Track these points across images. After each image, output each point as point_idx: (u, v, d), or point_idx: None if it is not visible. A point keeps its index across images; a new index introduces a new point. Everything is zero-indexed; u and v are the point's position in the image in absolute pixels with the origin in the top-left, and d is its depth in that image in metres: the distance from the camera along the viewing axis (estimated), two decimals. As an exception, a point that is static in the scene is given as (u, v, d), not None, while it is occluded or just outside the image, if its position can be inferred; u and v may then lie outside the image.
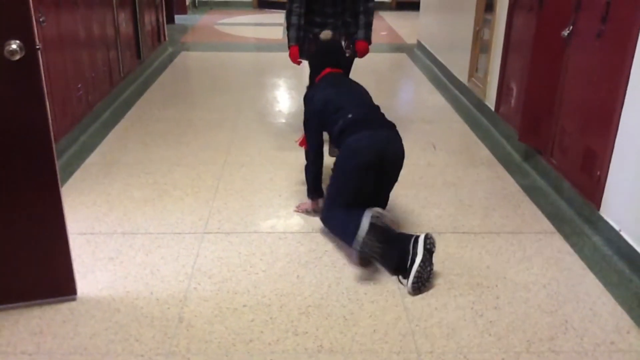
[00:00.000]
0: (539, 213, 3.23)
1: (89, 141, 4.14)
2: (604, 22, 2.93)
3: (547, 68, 3.53)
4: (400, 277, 2.54)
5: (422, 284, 2.47)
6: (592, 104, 3.08)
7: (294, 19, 3.73)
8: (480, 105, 4.86)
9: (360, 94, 2.99)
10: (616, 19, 2.84)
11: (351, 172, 2.67)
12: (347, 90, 2.98)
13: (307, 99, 3.02)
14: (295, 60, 3.78)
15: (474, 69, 5.16)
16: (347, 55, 3.70)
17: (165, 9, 7.28)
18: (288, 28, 3.79)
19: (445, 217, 3.16)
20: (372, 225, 2.46)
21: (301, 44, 3.78)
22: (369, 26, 3.76)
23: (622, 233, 2.75)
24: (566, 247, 2.88)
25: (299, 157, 3.66)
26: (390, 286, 2.51)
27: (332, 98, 2.87)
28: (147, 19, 6.19)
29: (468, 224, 3.10)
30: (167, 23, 7.47)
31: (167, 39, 7.20)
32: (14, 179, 2.10)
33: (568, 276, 2.63)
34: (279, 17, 9.75)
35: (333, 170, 2.78)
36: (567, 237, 2.97)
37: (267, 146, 4.12)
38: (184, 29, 8.63)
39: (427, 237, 2.52)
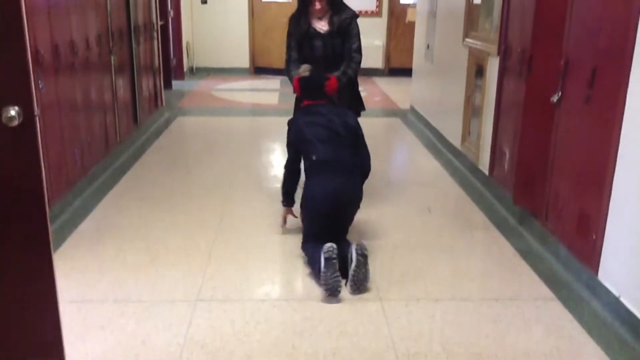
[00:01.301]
0: (536, 278, 3.20)
1: (83, 206, 4.12)
2: (591, 88, 3.00)
3: (538, 132, 3.58)
4: (345, 281, 2.96)
5: (358, 284, 2.93)
6: (584, 167, 3.11)
7: (294, 73, 3.81)
8: (474, 169, 4.90)
9: (331, 129, 3.31)
10: (603, 85, 2.91)
11: (310, 215, 3.26)
12: (320, 124, 3.34)
13: (289, 125, 3.50)
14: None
15: (466, 133, 5.23)
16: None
17: (163, 75, 7.42)
18: (289, 73, 3.89)
19: (442, 282, 3.12)
20: (327, 260, 2.88)
21: None
22: (344, 73, 3.82)
23: (621, 299, 2.71)
24: (566, 314, 2.83)
25: (294, 222, 3.65)
26: (387, 356, 2.45)
27: (304, 131, 3.34)
28: (144, 84, 6.30)
29: (466, 290, 3.06)
30: (165, 88, 7.60)
31: (164, 104, 7.31)
32: (6, 243, 2.07)
33: (569, 344, 2.57)
34: (275, 82, 9.95)
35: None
36: (566, 302, 2.93)
37: (262, 211, 4.10)
38: (181, 94, 8.77)
39: (358, 245, 2.99)
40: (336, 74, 3.79)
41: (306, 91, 3.61)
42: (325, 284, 2.88)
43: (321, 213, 3.21)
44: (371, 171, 3.51)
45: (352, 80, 3.96)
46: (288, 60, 3.95)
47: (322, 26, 3.83)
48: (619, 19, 2.77)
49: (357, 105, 4.06)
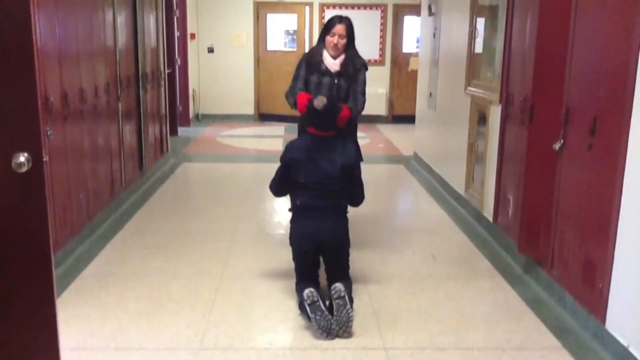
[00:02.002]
0: (543, 327, 3.15)
1: (87, 252, 4.11)
2: (592, 135, 3.02)
3: (542, 180, 3.59)
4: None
5: (344, 327, 2.97)
6: (588, 215, 3.10)
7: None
8: (479, 216, 4.89)
9: (327, 172, 3.31)
10: (604, 132, 2.94)
11: (295, 255, 3.38)
12: (317, 158, 3.34)
13: (287, 147, 3.55)
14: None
15: (470, 180, 5.25)
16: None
17: (169, 121, 7.52)
18: (292, 97, 3.88)
19: (447, 332, 3.08)
20: (310, 306, 2.99)
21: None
22: (355, 105, 3.84)
23: (630, 349, 2.66)
24: (574, 364, 2.78)
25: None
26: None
27: (299, 162, 3.36)
28: (151, 130, 6.38)
29: (471, 339, 3.02)
30: (171, 135, 7.69)
31: (169, 150, 7.38)
32: (10, 289, 2.06)
33: (578, 396, 2.51)
34: (279, 129, 10.06)
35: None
36: (574, 353, 2.88)
37: (266, 258, 4.09)
38: (187, 141, 8.86)
39: (332, 289, 3.08)
40: (348, 104, 3.81)
41: (319, 123, 3.46)
42: (318, 327, 2.96)
43: (304, 254, 3.32)
44: (375, 218, 3.51)
45: (354, 125, 4.00)
46: (292, 89, 3.93)
47: (334, 65, 3.88)
48: (617, 69, 2.82)
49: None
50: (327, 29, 3.89)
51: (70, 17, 4.04)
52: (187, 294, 3.46)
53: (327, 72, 3.89)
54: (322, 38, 3.94)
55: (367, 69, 3.96)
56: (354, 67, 3.89)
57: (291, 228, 3.41)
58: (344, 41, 3.84)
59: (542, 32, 3.56)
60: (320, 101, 3.42)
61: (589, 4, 3.15)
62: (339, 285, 3.10)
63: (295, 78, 3.97)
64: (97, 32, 4.62)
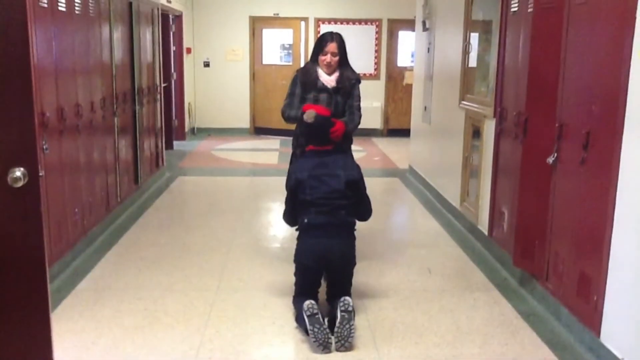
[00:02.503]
0: (538, 340, 3.16)
1: (82, 266, 4.10)
2: (585, 150, 3.05)
3: (536, 194, 3.62)
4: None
5: (343, 341, 2.95)
6: (582, 228, 3.12)
7: (292, 112, 3.91)
8: (474, 230, 4.91)
9: (332, 187, 3.32)
10: (597, 147, 2.96)
11: (300, 270, 3.33)
12: (322, 180, 3.34)
13: (289, 172, 3.61)
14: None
15: (465, 193, 5.27)
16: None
17: (165, 135, 7.54)
18: (288, 114, 3.94)
19: (443, 345, 3.08)
20: (310, 318, 2.99)
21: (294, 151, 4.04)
22: (351, 121, 3.89)
23: (625, 361, 2.67)
24: (569, 377, 2.78)
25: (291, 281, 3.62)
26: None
27: (303, 181, 3.36)
28: (146, 145, 6.39)
29: (467, 352, 3.02)
30: (166, 149, 7.70)
31: (165, 164, 7.38)
32: (5, 302, 2.06)
33: (574, 409, 2.51)
34: (274, 142, 10.09)
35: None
36: (569, 366, 2.89)
37: (261, 271, 4.09)
38: (182, 155, 8.87)
39: (341, 301, 3.07)
40: (343, 119, 3.84)
41: (313, 137, 3.58)
42: (315, 340, 2.95)
43: (311, 272, 3.30)
44: (370, 231, 3.52)
45: (349, 139, 4.01)
46: (289, 105, 3.95)
47: (330, 81, 3.91)
48: (609, 84, 2.85)
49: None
50: (319, 47, 3.93)
51: (66, 32, 4.06)
52: (183, 308, 3.45)
53: (323, 88, 3.91)
54: (314, 56, 3.97)
55: (360, 81, 4.00)
56: (349, 82, 3.93)
57: (298, 245, 3.36)
58: (336, 58, 3.88)
59: (535, 47, 3.61)
60: (309, 115, 3.55)
61: (581, 21, 3.19)
62: (348, 299, 3.11)
63: (291, 94, 3.98)
64: (93, 47, 4.65)
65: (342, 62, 3.93)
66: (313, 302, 3.08)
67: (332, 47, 3.86)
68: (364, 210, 3.50)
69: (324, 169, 3.39)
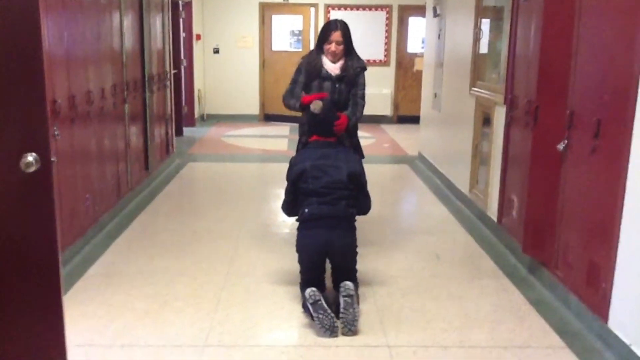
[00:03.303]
0: (547, 327, 3.16)
1: (92, 252, 4.15)
2: (596, 138, 3.03)
3: (546, 181, 3.60)
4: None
5: (349, 325, 2.99)
6: (591, 216, 3.11)
7: (293, 101, 3.94)
8: (483, 217, 4.91)
9: (334, 178, 3.35)
10: (608, 135, 2.95)
11: (302, 262, 3.34)
12: (325, 171, 3.38)
13: (291, 163, 3.58)
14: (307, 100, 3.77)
15: (474, 180, 5.26)
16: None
17: (175, 122, 7.56)
18: (289, 101, 3.97)
19: (451, 330, 3.10)
20: (313, 305, 3.03)
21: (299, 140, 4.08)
22: (354, 113, 3.86)
23: (632, 348, 2.68)
24: (577, 364, 2.79)
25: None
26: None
27: (305, 171, 3.40)
28: (156, 131, 6.42)
29: (475, 338, 3.03)
30: (176, 135, 7.73)
31: (175, 150, 7.42)
32: (18, 287, 2.10)
33: (581, 395, 2.53)
34: (284, 129, 10.10)
35: None
36: (577, 351, 2.90)
37: (271, 257, 4.12)
38: (192, 141, 8.91)
39: (341, 286, 3.12)
40: (346, 112, 3.84)
41: (317, 128, 3.64)
42: (322, 326, 2.99)
43: (312, 263, 3.31)
44: (380, 218, 3.52)
45: (354, 128, 4.02)
46: (290, 92, 3.96)
47: (334, 69, 3.88)
48: (621, 72, 2.83)
49: (356, 153, 4.05)
50: (323, 36, 3.90)
51: (77, 20, 4.08)
52: (193, 293, 3.49)
53: (327, 76, 3.89)
54: (319, 44, 3.94)
55: (366, 69, 3.97)
56: (354, 70, 3.90)
57: (298, 236, 3.36)
58: (341, 47, 3.85)
59: (546, 35, 3.58)
60: (316, 105, 3.59)
61: (593, 9, 3.16)
62: (348, 284, 3.13)
63: (294, 82, 3.97)
64: (104, 35, 4.66)
65: (348, 50, 3.90)
66: (314, 289, 3.11)
67: (336, 35, 3.82)
68: (363, 203, 3.51)
69: (326, 160, 3.42)
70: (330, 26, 3.89)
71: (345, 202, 3.34)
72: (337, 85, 3.89)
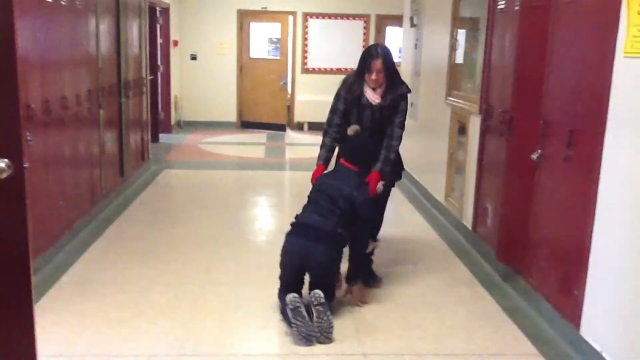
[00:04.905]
0: (520, 334, 3.20)
1: (65, 259, 4.08)
2: (569, 148, 3.09)
3: (520, 190, 3.66)
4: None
5: (325, 334, 3.01)
6: (564, 225, 3.16)
7: (328, 141, 3.72)
8: (458, 225, 4.95)
9: (332, 198, 3.36)
10: (580, 145, 3.00)
11: (281, 264, 3.36)
12: (329, 180, 3.46)
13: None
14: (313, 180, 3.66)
15: (450, 189, 5.31)
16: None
17: (151, 128, 7.49)
18: (321, 147, 3.75)
19: (427, 338, 3.11)
20: (293, 311, 3.02)
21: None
22: (387, 162, 3.64)
23: (603, 354, 2.72)
24: (550, 371, 2.83)
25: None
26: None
27: (317, 186, 3.49)
28: (132, 138, 6.35)
29: (450, 345, 3.05)
30: (152, 142, 7.66)
31: (150, 157, 7.35)
32: (-14, 297, 2.05)
33: (554, 402, 2.56)
34: (261, 136, 10.07)
35: None
36: (550, 359, 2.93)
37: (247, 265, 4.09)
38: (168, 148, 8.84)
39: (312, 296, 3.10)
40: (377, 166, 3.60)
41: (346, 153, 3.59)
42: (298, 333, 2.99)
43: (289, 268, 3.34)
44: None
45: (397, 162, 3.78)
46: (329, 123, 3.74)
47: (374, 98, 3.63)
48: (593, 83, 2.89)
49: (394, 172, 3.82)
50: (363, 64, 3.63)
51: (52, 24, 4.03)
52: (168, 301, 3.45)
53: (367, 105, 3.64)
54: (359, 70, 3.66)
55: (409, 92, 3.72)
56: (395, 96, 3.63)
57: (284, 240, 3.37)
58: (382, 74, 3.58)
59: (521, 46, 3.64)
60: (353, 129, 3.58)
61: (567, 20, 3.23)
62: (318, 292, 3.11)
63: (333, 110, 3.73)
64: (79, 39, 4.61)
65: (390, 75, 3.62)
66: (296, 295, 3.10)
67: (377, 64, 3.55)
68: (358, 234, 3.42)
69: (333, 178, 3.47)
70: (372, 53, 3.61)
71: (337, 220, 3.30)
72: (377, 114, 3.64)
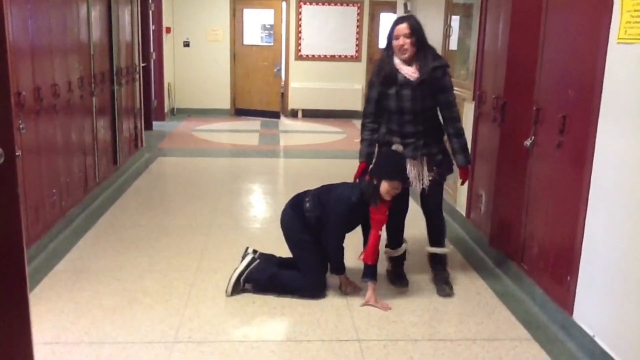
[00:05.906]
0: (513, 319, 3.23)
1: (59, 247, 4.08)
2: (561, 134, 3.10)
3: (513, 176, 3.67)
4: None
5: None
6: (556, 210, 3.18)
7: (366, 134, 3.52)
8: (452, 211, 4.97)
9: (326, 188, 3.52)
10: (573, 131, 3.01)
11: None
12: (327, 185, 3.57)
13: (342, 196, 3.38)
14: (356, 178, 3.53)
15: (444, 175, 5.31)
16: (410, 186, 3.56)
17: (144, 116, 7.46)
18: (360, 141, 3.58)
19: (420, 324, 3.14)
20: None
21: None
22: (465, 149, 3.47)
23: (596, 339, 2.75)
24: (543, 355, 2.86)
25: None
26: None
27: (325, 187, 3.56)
28: (125, 125, 6.33)
29: (443, 330, 3.08)
30: (145, 129, 7.63)
31: (144, 145, 7.32)
32: (-19, 286, 2.05)
33: (545, 385, 2.59)
34: (255, 124, 10.05)
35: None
36: (542, 344, 2.96)
37: (241, 252, 4.08)
38: (162, 135, 8.80)
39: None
40: (460, 159, 3.47)
41: (376, 167, 3.37)
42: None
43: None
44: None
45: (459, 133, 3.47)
46: (365, 113, 3.55)
47: (411, 73, 3.30)
48: (586, 69, 2.89)
49: (446, 165, 3.56)
50: (390, 33, 3.37)
51: (43, 11, 3.99)
52: (162, 289, 3.46)
53: (405, 82, 3.31)
54: (388, 44, 3.39)
55: (448, 67, 3.43)
56: (436, 71, 3.31)
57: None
58: (409, 40, 3.27)
59: (513, 33, 3.64)
60: (397, 147, 3.42)
61: (560, 6, 3.22)
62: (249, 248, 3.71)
63: (368, 100, 3.51)
64: (70, 26, 4.57)
65: (421, 47, 3.32)
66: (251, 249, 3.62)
67: (402, 28, 3.28)
68: (328, 234, 3.44)
69: (329, 186, 3.53)
70: (396, 20, 3.40)
71: (309, 204, 3.47)
72: (418, 92, 3.30)
